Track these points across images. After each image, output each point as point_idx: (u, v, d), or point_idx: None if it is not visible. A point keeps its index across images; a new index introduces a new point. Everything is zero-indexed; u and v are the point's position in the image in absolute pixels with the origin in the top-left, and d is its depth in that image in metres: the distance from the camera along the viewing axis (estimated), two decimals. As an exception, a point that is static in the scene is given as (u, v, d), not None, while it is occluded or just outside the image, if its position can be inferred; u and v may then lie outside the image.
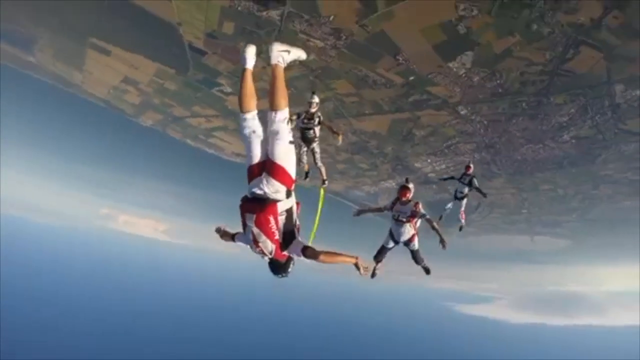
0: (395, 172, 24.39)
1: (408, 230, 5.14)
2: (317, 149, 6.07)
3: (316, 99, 5.79)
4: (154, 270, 57.10)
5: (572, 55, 14.88)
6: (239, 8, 13.43)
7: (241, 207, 2.50)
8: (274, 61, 2.41)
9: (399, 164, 23.31)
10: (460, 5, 12.43)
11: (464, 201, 8.09)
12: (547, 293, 64.28)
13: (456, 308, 71.56)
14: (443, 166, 22.44)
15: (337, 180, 26.83)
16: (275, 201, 2.42)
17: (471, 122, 18.55)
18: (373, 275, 5.27)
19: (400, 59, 15.11)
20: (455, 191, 8.07)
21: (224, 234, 3.04)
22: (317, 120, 5.88)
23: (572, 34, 14.14)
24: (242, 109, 2.41)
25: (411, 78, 16.06)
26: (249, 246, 2.59)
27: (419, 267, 5.13)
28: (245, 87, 2.39)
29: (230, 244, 3.12)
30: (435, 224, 4.86)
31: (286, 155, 2.42)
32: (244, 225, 2.50)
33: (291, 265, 2.68)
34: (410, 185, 4.97)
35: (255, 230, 2.42)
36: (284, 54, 2.42)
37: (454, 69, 15.25)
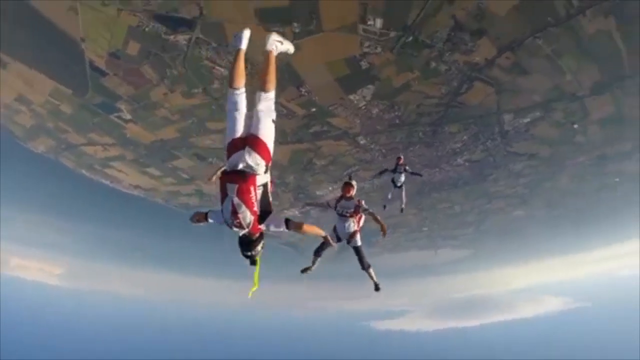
0: (297, 200, 32.27)
1: (352, 225, 7.39)
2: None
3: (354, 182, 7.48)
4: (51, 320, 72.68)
5: (466, 89, 20.93)
6: (147, 29, 17.48)
7: (222, 179, 3.58)
8: (269, 47, 3.74)
9: (300, 192, 31.20)
10: (365, 42, 17.67)
11: (403, 188, 12.53)
12: (457, 299, 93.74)
13: (372, 325, 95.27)
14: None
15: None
16: (255, 173, 3.57)
17: (370, 150, 25.65)
18: (305, 270, 7.71)
19: (303, 90, 20.42)
20: (393, 181, 12.31)
21: (198, 219, 4.25)
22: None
23: (467, 71, 19.69)
24: (233, 85, 3.60)
25: (313, 109, 21.84)
26: (222, 222, 3.72)
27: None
28: (238, 65, 3.62)
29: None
30: (378, 216, 7.23)
31: (268, 132, 3.62)
32: (224, 197, 3.57)
33: (261, 245, 3.77)
34: (354, 183, 7.21)
35: (236, 200, 3.50)
36: (277, 44, 3.79)
37: (355, 102, 21.20)
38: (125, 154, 29.11)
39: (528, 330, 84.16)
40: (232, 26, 17.06)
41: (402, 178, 12.08)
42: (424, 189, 32.87)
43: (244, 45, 3.69)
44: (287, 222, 3.80)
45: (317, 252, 7.39)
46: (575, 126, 25.60)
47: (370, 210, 7.15)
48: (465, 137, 25.59)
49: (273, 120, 3.66)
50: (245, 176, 3.54)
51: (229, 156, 3.63)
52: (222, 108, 21.63)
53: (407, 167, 12.08)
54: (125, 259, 59.34)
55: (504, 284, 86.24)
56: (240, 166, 3.56)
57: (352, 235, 7.25)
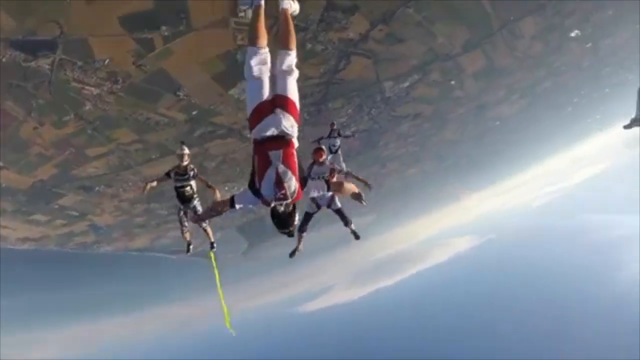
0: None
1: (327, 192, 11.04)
2: (199, 207, 9.90)
3: (186, 150, 9.49)
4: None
5: (344, 65, 25.77)
6: (4, 59, 18.46)
7: (260, 148, 4.30)
8: (284, 6, 4.76)
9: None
10: (239, 35, 20.38)
11: (339, 152, 16.26)
12: (374, 262, 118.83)
13: (301, 309, 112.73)
14: (241, 189, 34.96)
15: (140, 235, 41.30)
16: (293, 136, 4.36)
17: None
18: (293, 254, 10.04)
19: (182, 94, 23.38)
20: (329, 147, 15.66)
21: (219, 209, 4.95)
22: (191, 173, 9.62)
23: (344, 47, 24.39)
24: (257, 43, 4.37)
25: (194, 112, 25.15)
26: (256, 202, 4.49)
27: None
28: (260, 21, 4.42)
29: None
30: (357, 175, 9.98)
31: (296, 92, 4.44)
32: (265, 168, 4.25)
33: (297, 217, 4.51)
34: (323, 147, 9.40)
35: (282, 167, 4.20)
36: (291, 2, 4.85)
37: (236, 96, 24.41)
38: (5, 206, 30.59)
39: (445, 273, 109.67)
40: (97, 40, 18.88)
41: (338, 142, 15.64)
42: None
43: (262, 1, 4.54)
44: (328, 183, 4.78)
45: (302, 229, 9.83)
46: (452, 82, 33.06)
47: (348, 170, 10.14)
48: (350, 110, 31.41)
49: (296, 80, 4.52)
50: (286, 140, 4.32)
51: (256, 123, 4.30)
52: (100, 132, 24.80)
53: (340, 132, 15.88)
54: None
55: (413, 238, 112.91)
56: (274, 131, 4.29)
57: (331, 198, 9.67)
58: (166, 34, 19.18)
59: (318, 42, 23.06)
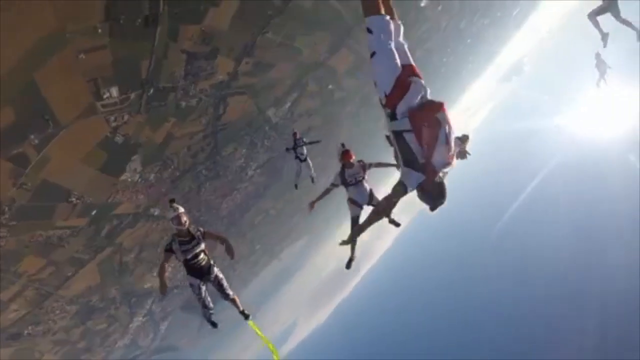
0: (134, 306, 37.17)
1: (367, 186, 10.33)
2: (220, 274, 9.08)
3: (181, 209, 8.65)
4: None
5: (224, 109, 27.51)
6: None
7: (420, 116, 4.50)
8: None
9: (131, 297, 35.69)
10: (111, 117, 21.43)
11: (308, 160, 18.34)
12: (323, 280, 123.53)
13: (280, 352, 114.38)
14: (170, 269, 34.56)
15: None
16: None
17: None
18: (350, 264, 10.87)
19: (74, 199, 23.63)
20: (297, 156, 17.97)
21: (388, 202, 4.98)
22: (198, 234, 8.77)
23: (217, 92, 26.10)
24: (380, 11, 4.64)
25: (94, 212, 25.34)
26: (420, 180, 4.62)
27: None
28: None
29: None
30: (382, 161, 10.40)
31: None
32: (436, 134, 4.46)
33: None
34: (348, 148, 10.17)
35: (447, 129, 4.50)
36: None
37: (129, 180, 25.57)
38: None
39: (395, 258, 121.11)
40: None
41: (305, 150, 18.00)
42: (234, 216, 40.95)
43: None
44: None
45: (356, 234, 9.27)
46: (330, 87, 35.89)
47: (375, 162, 10.50)
48: (244, 150, 33.44)
49: None
50: (437, 103, 4.57)
51: (401, 95, 4.56)
52: (4, 269, 23.85)
53: (304, 139, 18.05)
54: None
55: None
56: (423, 98, 4.65)
57: (371, 194, 10.51)
58: (36, 142, 19.36)
59: (191, 96, 24.70)
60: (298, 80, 31.84)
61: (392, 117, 4.67)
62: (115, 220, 27.77)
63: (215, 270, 9.11)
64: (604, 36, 13.35)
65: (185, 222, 8.62)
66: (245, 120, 30.32)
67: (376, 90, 4.80)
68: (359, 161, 10.50)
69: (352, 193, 10.61)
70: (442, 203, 4.79)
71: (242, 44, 25.14)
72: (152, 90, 22.21)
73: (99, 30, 17.62)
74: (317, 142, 19.37)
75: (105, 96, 20.25)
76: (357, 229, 5.98)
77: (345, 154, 10.47)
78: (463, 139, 9.49)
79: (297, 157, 18.71)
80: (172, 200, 9.04)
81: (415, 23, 38.39)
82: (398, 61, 4.68)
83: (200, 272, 8.88)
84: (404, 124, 4.55)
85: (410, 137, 4.54)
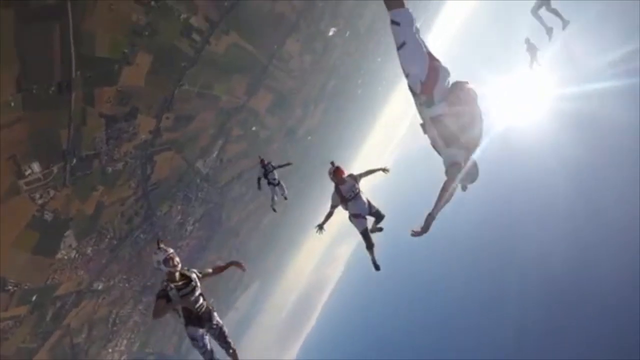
0: None
1: (364, 198, 10.26)
2: (221, 321, 7.89)
3: (170, 250, 7.49)
4: None
5: (152, 168, 26.76)
6: None
7: (464, 90, 4.84)
8: None
9: None
10: (36, 194, 20.37)
11: (281, 182, 18.00)
12: (285, 318, 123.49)
13: None
14: (124, 342, 35.10)
15: None
16: None
17: (113, 287, 29.73)
18: (377, 266, 10.83)
19: (10, 287, 21.89)
20: (269, 182, 17.53)
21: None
22: (193, 276, 7.61)
23: (142, 152, 25.37)
24: (403, 4, 4.69)
25: (34, 298, 23.69)
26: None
27: None
28: None
29: None
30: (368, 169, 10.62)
31: None
32: (475, 111, 4.88)
33: None
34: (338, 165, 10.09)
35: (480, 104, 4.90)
36: None
37: (66, 257, 24.16)
38: None
39: (350, 281, 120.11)
40: None
41: (276, 175, 17.67)
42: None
43: None
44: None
45: (371, 245, 10.55)
46: (254, 128, 35.92)
47: (364, 172, 10.54)
48: (179, 207, 32.47)
49: None
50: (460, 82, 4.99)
51: (435, 81, 4.80)
52: None
53: (273, 164, 17.54)
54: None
55: (301, 275, 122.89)
56: (449, 81, 4.96)
57: (369, 204, 10.52)
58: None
59: (116, 160, 23.93)
60: (221, 127, 31.63)
61: (430, 103, 4.93)
62: (59, 302, 25.92)
63: (216, 316, 7.89)
64: (549, 30, 14.41)
65: (178, 263, 7.43)
66: (175, 176, 29.59)
67: (408, 79, 4.96)
68: (349, 175, 10.32)
69: (353, 208, 10.42)
70: (475, 179, 5.35)
71: (160, 100, 24.83)
72: (74, 160, 21.36)
73: (12, 104, 16.83)
74: (289, 164, 18.68)
75: (27, 173, 19.33)
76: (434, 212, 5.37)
77: (337, 172, 10.14)
78: None
79: (270, 183, 18.29)
80: (159, 241, 7.74)
81: (326, 52, 39.34)
82: (425, 48, 4.85)
83: (202, 320, 7.61)
84: (442, 107, 4.86)
85: (449, 120, 4.85)
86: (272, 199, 19.16)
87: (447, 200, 5.28)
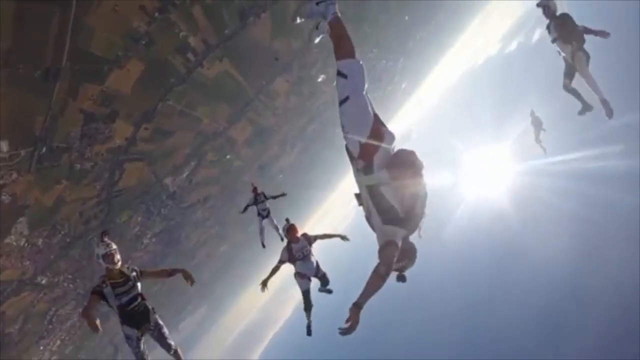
0: None
1: (314, 260, 10.52)
2: (161, 321, 7.86)
3: (113, 245, 7.49)
4: None
5: (120, 175, 26.38)
6: None
7: (408, 160, 4.35)
8: (338, 13, 4.91)
9: None
10: None
11: (271, 215, 17.05)
12: (233, 343, 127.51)
13: None
14: (58, 342, 34.48)
15: None
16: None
17: (57, 284, 28.84)
18: (309, 332, 10.96)
19: None
20: (259, 213, 16.57)
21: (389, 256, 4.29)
22: (133, 275, 7.56)
23: (114, 157, 25.04)
24: (355, 55, 4.61)
25: None
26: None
27: None
28: (347, 32, 4.75)
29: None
30: (327, 233, 10.96)
31: None
32: (418, 187, 4.38)
33: None
34: (293, 223, 10.46)
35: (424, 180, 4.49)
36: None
37: (14, 244, 23.21)
38: None
39: (296, 328, 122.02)
40: None
41: (267, 205, 16.88)
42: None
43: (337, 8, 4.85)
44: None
45: (309, 308, 11.04)
46: (228, 157, 35.99)
47: (320, 234, 10.66)
48: (140, 218, 32.02)
49: None
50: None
51: (380, 143, 4.33)
52: None
53: (265, 194, 16.88)
54: None
55: (251, 309, 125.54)
56: (394, 147, 4.50)
57: (317, 266, 10.80)
58: None
59: (86, 159, 23.50)
60: (197, 149, 31.62)
61: (368, 170, 4.37)
62: None
63: (156, 316, 7.84)
64: (586, 106, 11.49)
65: (119, 260, 7.48)
66: (142, 187, 29.24)
67: (346, 139, 4.49)
68: (303, 234, 10.54)
69: (300, 267, 10.61)
70: (412, 265, 4.66)
71: (142, 109, 24.70)
72: (44, 149, 20.88)
73: (-6, 76, 16.38)
74: (283, 195, 17.53)
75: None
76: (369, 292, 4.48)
77: (290, 230, 10.47)
78: None
79: (259, 214, 17.56)
80: (104, 233, 7.98)
81: (312, 97, 40.11)
82: (371, 108, 4.45)
83: (138, 320, 7.51)
84: (382, 176, 4.30)
85: (388, 191, 4.29)
86: (261, 232, 18.21)
87: (378, 288, 4.26)
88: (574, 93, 11.18)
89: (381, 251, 4.27)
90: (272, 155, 45.59)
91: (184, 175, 32.49)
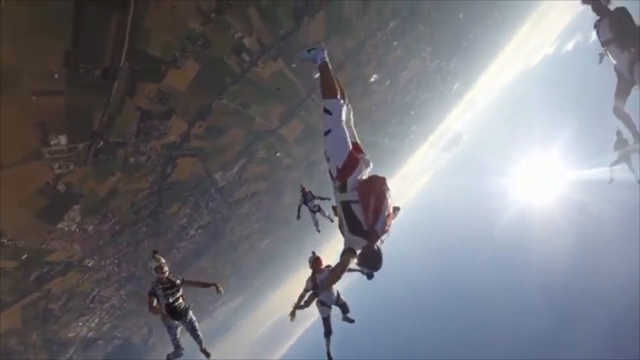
0: (55, 354, 34.40)
1: (335, 290, 11.17)
2: (194, 317, 10.25)
3: (162, 260, 9.61)
4: None
5: (172, 169, 26.77)
6: None
7: (369, 189, 5.30)
8: (326, 58, 5.87)
9: (52, 344, 33.35)
10: (55, 164, 20.49)
11: (322, 209, 18.23)
12: (263, 335, 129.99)
13: None
14: (97, 320, 35.81)
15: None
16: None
17: (103, 268, 30.08)
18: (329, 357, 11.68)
19: (5, 241, 21.88)
20: (311, 210, 18.10)
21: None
22: (178, 282, 9.74)
23: (167, 152, 25.40)
24: (337, 96, 5.56)
25: (24, 256, 23.77)
26: (366, 245, 5.32)
27: None
28: (333, 76, 5.74)
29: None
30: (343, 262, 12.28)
31: None
32: (382, 203, 5.22)
33: None
34: (319, 256, 11.08)
35: (389, 200, 5.31)
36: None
37: (66, 229, 24.37)
38: None
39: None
40: None
41: (316, 202, 18.09)
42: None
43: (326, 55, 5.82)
44: None
45: (329, 334, 12.00)
46: (278, 154, 35.98)
47: (337, 264, 11.68)
48: (188, 211, 32.66)
49: None
50: (379, 178, 5.45)
51: (351, 169, 5.35)
52: None
53: (313, 194, 18.14)
54: None
55: (285, 304, 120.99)
56: (369, 172, 5.52)
57: (338, 295, 11.46)
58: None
59: (140, 153, 24.06)
60: (248, 147, 31.71)
61: (342, 189, 5.36)
62: (47, 266, 26.18)
63: (191, 313, 10.22)
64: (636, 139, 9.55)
65: (166, 271, 9.60)
66: (192, 181, 29.72)
67: (328, 164, 5.50)
68: (327, 266, 11.30)
69: (322, 296, 11.38)
70: (379, 267, 5.50)
71: (197, 107, 24.91)
72: (101, 143, 21.45)
73: (55, 75, 16.92)
74: (327, 199, 18.58)
75: (52, 142, 19.55)
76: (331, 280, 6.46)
77: (316, 262, 11.39)
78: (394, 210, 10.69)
79: (311, 210, 18.74)
80: (155, 252, 9.89)
81: (363, 96, 39.59)
82: (349, 139, 5.47)
83: (178, 315, 9.76)
84: (353, 195, 5.27)
85: (356, 207, 5.25)
86: (316, 223, 19.68)
87: (333, 282, 6.34)
88: (626, 120, 8.85)
89: (342, 255, 5.46)
90: (321, 154, 44.96)
91: (234, 170, 32.79)
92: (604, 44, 8.28)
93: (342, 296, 11.69)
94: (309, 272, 11.57)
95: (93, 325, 36.01)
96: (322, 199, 18.49)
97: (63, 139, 19.73)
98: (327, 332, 11.95)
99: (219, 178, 32.03)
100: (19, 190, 20.34)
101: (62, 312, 31.01)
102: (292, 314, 10.89)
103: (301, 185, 18.99)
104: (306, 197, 18.46)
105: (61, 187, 21.72)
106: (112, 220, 26.83)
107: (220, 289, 10.10)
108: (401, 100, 50.45)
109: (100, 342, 39.16)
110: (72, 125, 19.62)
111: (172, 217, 31.49)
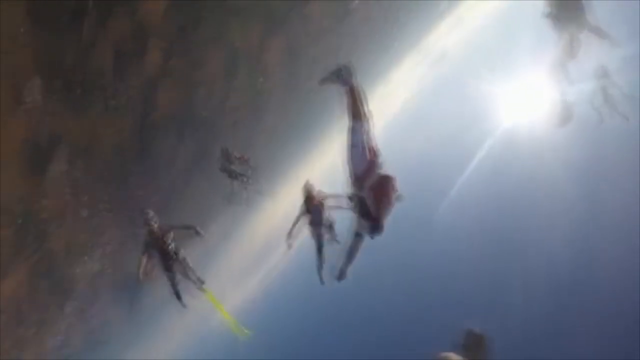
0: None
1: (325, 211, 12.93)
2: (185, 255, 12.04)
3: (151, 213, 11.46)
4: None
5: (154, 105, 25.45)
6: None
7: (387, 184, 6.93)
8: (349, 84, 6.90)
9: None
10: (32, 119, 18.52)
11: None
12: None
13: None
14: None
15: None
16: None
17: (97, 214, 28.03)
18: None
19: None
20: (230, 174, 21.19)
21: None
22: (171, 234, 11.51)
23: (146, 89, 23.92)
24: (365, 118, 6.85)
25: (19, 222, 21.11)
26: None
27: None
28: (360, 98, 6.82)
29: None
30: None
31: None
32: (390, 201, 7.00)
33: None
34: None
35: (396, 194, 7.16)
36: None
37: (55, 180, 22.16)
38: None
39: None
40: None
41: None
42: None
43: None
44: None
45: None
46: (261, 80, 34.21)
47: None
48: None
49: None
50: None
51: (371, 173, 6.77)
52: None
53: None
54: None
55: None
56: (378, 173, 7.06)
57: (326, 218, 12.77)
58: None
59: (119, 93, 22.99)
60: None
61: (360, 188, 6.91)
62: (42, 224, 23.51)
63: (182, 252, 12.02)
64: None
65: (156, 221, 11.50)
66: (176, 112, 28.31)
67: (349, 170, 6.93)
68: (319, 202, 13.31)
69: (312, 215, 13.53)
70: (379, 234, 6.93)
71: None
72: (79, 89, 20.12)
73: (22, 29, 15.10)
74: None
75: (28, 100, 17.83)
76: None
77: (310, 198, 13.27)
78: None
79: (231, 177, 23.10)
80: (145, 213, 11.75)
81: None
82: (367, 153, 6.72)
83: (172, 259, 11.52)
84: (366, 192, 6.81)
85: (368, 201, 6.80)
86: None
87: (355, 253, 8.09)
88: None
89: (354, 237, 7.89)
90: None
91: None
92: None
93: (331, 216, 12.83)
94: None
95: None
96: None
97: (37, 92, 18.05)
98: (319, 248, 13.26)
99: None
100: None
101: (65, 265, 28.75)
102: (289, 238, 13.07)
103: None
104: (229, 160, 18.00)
105: (42, 136, 20.07)
106: (99, 166, 25.43)
107: (201, 230, 11.56)
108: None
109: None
110: (45, 70, 17.97)
111: (159, 153, 30.10)
